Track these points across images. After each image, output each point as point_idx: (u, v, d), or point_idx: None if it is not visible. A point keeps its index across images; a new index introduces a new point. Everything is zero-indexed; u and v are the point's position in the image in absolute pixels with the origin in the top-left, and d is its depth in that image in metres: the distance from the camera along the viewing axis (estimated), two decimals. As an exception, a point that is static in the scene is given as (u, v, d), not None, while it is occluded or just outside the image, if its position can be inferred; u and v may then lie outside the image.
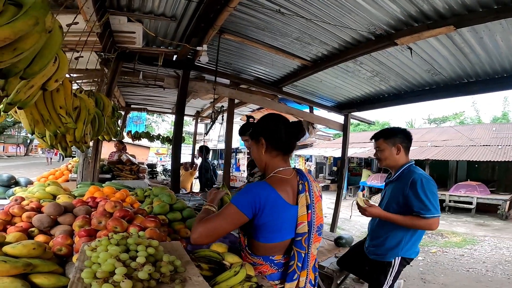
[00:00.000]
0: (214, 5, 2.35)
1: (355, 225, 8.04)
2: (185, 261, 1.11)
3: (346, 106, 5.24)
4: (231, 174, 5.33)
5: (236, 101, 4.96)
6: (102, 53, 3.13)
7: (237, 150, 16.98)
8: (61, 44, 1.05)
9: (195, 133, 8.70)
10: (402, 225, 1.92)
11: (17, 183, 2.81)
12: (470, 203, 10.19)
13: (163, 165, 14.45)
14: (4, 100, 1.04)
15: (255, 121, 1.63)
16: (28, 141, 32.32)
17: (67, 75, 1.72)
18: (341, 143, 5.75)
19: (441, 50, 2.78)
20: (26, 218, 1.53)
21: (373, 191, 13.03)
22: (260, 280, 1.21)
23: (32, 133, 1.61)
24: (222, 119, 4.90)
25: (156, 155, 21.43)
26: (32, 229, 1.48)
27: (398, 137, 2.04)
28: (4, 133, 26.48)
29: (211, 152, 17.66)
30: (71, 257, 1.32)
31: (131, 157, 5.40)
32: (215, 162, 17.02)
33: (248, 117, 3.06)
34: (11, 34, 0.72)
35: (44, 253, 1.18)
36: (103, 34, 2.65)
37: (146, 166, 6.17)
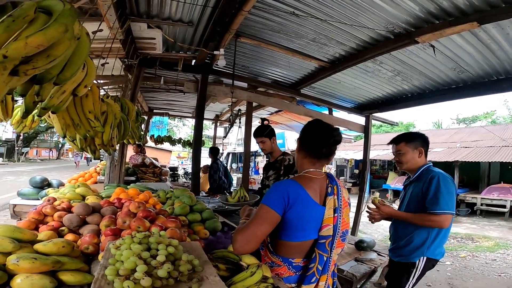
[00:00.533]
0: (229, 9, 2.39)
1: (377, 228, 7.78)
2: (203, 260, 1.14)
3: (367, 107, 5.11)
4: (250, 177, 5.37)
5: (254, 104, 5.00)
6: (126, 59, 3.28)
7: (256, 153, 17.01)
8: (89, 51, 1.10)
9: (215, 137, 8.84)
10: (414, 223, 1.94)
11: (49, 185, 2.97)
12: (504, 206, 9.59)
13: (184, 168, 14.80)
14: (39, 105, 1.11)
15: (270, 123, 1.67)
16: (60, 145, 34.31)
17: (95, 81, 1.83)
18: (362, 145, 5.60)
19: (466, 47, 2.65)
20: (57, 218, 1.63)
21: (399, 194, 12.52)
22: (277, 281, 1.21)
23: (64, 137, 1.72)
24: (240, 123, 4.96)
25: (177, 158, 21.97)
26: (63, 228, 1.57)
27: (419, 141, 2.07)
28: (38, 137, 28.27)
29: (230, 155, 17.83)
30: (97, 255, 1.38)
31: (154, 161, 5.60)
32: (234, 165, 17.13)
33: (263, 119, 3.07)
34: (44, 41, 0.75)
35: (72, 251, 1.25)
36: (125, 40, 2.79)
37: (168, 169, 6.36)
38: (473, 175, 11.81)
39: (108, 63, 2.37)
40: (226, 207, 2.71)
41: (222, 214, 2.54)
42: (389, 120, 6.51)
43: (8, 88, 0.78)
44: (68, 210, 1.76)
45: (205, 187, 6.36)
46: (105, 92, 2.48)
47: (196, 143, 4.00)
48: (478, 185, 11.62)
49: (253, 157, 16.24)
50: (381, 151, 13.28)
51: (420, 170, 2.04)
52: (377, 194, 2.12)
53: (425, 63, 3.13)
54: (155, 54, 3.43)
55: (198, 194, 3.90)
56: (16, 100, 1.81)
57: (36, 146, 28.94)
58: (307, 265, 1.27)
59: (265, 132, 2.82)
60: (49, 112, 1.23)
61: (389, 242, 2.26)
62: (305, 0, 2.29)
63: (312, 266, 1.24)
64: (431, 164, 2.07)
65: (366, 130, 5.42)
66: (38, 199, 2.64)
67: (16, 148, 24.71)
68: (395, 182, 12.33)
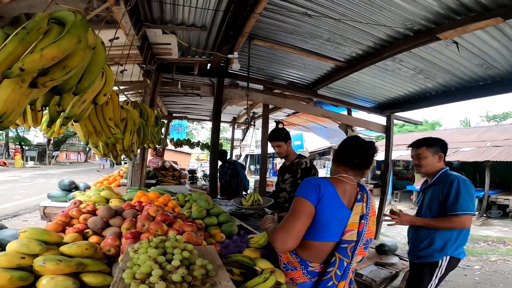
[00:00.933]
0: (240, 12, 2.40)
1: (401, 231, 7.52)
2: (217, 265, 1.15)
3: (388, 107, 4.94)
4: (267, 179, 5.35)
5: (271, 106, 4.99)
6: (144, 65, 3.39)
7: (274, 155, 16.99)
8: (106, 59, 1.13)
9: (233, 139, 8.92)
10: (435, 227, 2.00)
11: (77, 188, 3.14)
12: (541, 209, 8.91)
13: (203, 171, 15.04)
14: (61, 114, 1.16)
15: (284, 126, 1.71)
16: (88, 149, 36.00)
17: (115, 88, 1.90)
18: (384, 145, 5.42)
19: (491, 43, 2.51)
20: (83, 220, 1.72)
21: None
22: (291, 287, 1.20)
23: (87, 143, 1.81)
24: (254, 125, 4.96)
25: (197, 161, 22.39)
26: (87, 230, 1.65)
27: (439, 146, 2.14)
28: (67, 141, 29.83)
29: (248, 157, 17.87)
30: (118, 257, 1.43)
31: (173, 164, 5.73)
32: (252, 167, 17.17)
33: (277, 122, 3.04)
34: (59, 53, 0.77)
35: (95, 253, 1.32)
36: (142, 47, 2.87)
37: (187, 172, 6.48)
38: (505, 175, 11.06)
39: (126, 69, 2.46)
40: (243, 210, 2.72)
41: (239, 217, 2.56)
42: (413, 119, 6.26)
43: (30, 99, 0.81)
44: (93, 212, 1.84)
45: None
46: (126, 98, 2.57)
47: (213, 146, 4.06)
48: (511, 186, 10.88)
49: (271, 159, 16.21)
50: (404, 152, 12.76)
51: (438, 174, 2.12)
52: (396, 205, 2.20)
53: (449, 60, 2.99)
54: (171, 59, 3.51)
55: (216, 197, 3.94)
56: (44, 108, 1.93)
57: (65, 149, 30.61)
58: (324, 270, 1.25)
59: (281, 136, 2.81)
60: (72, 120, 1.30)
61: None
62: (317, 0, 2.26)
63: (330, 270, 1.23)
64: (448, 168, 2.15)
65: (387, 130, 5.24)
66: (66, 201, 2.80)
67: (47, 152, 26.16)
68: (420, 183, 11.83)
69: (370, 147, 1.37)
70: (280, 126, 2.95)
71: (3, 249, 1.19)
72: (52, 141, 25.90)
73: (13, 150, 21.47)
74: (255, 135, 4.94)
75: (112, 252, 1.44)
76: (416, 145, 2.21)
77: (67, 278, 1.09)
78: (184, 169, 6.48)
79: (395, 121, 5.33)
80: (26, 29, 0.75)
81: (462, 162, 10.81)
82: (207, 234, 1.82)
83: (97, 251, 1.35)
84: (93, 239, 1.58)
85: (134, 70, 3.01)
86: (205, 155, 22.20)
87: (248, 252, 1.48)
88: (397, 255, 2.59)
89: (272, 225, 1.42)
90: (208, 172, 6.74)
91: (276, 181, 3.16)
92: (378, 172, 15.24)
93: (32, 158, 25.25)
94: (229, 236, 1.88)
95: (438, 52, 2.83)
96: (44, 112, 1.91)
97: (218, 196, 4.63)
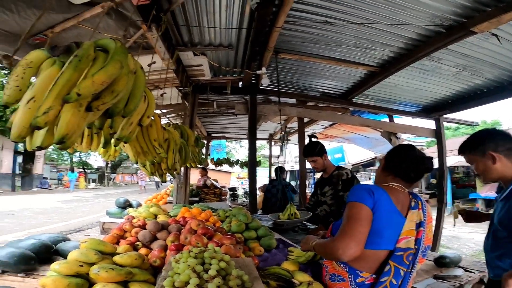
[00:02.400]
0: (262, 28, 2.48)
1: (466, 242, 6.72)
2: (254, 276, 1.15)
3: (435, 109, 4.59)
4: (307, 193, 5.22)
5: (306, 119, 4.95)
6: (181, 88, 3.64)
7: (314, 170, 16.58)
8: (147, 83, 1.23)
9: (270, 156, 8.97)
10: None
11: (130, 205, 3.47)
12: None
13: (243, 188, 15.24)
14: (114, 136, 1.29)
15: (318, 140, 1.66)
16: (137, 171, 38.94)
17: (158, 111, 2.08)
18: (436, 151, 4.96)
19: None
20: (134, 233, 1.87)
21: (492, 205, 10.47)
22: (332, 300, 1.15)
23: (136, 163, 1.99)
24: (288, 141, 4.92)
25: (237, 179, 22.80)
26: (138, 242, 1.79)
27: (488, 143, 1.58)
28: (122, 165, 32.82)
29: (288, 173, 17.66)
30: (162, 268, 1.52)
31: (214, 182, 5.96)
32: (293, 182, 16.90)
33: (310, 136, 2.97)
34: (106, 78, 0.84)
35: (143, 263, 1.42)
36: (177, 70, 3.10)
37: (227, 189, 6.66)
38: None
39: (166, 93, 2.69)
40: (285, 225, 2.69)
41: (278, 231, 2.54)
42: (466, 120, 5.70)
43: (87, 123, 0.93)
44: (143, 227, 1.99)
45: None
46: (167, 121, 2.79)
47: (251, 163, 4.13)
48: None
49: (311, 173, 15.80)
50: (462, 157, 11.49)
51: None
52: (460, 205, 1.90)
53: (494, 54, 2.74)
54: (205, 80, 3.71)
55: (255, 212, 3.96)
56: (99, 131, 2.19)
57: (121, 172, 33.56)
58: (376, 281, 1.17)
59: (315, 150, 2.73)
60: (122, 142, 1.45)
61: (482, 257, 1.91)
62: (336, 7, 2.27)
63: (384, 279, 1.15)
64: None
65: (438, 134, 4.83)
66: (121, 217, 3.08)
67: (106, 174, 29.21)
68: (486, 189, 10.37)
69: (430, 162, 1.32)
70: (314, 140, 2.89)
71: (66, 259, 1.35)
72: (109, 165, 28.71)
73: (78, 173, 24.41)
74: (289, 151, 4.91)
75: (158, 263, 1.53)
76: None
77: (117, 286, 1.19)
78: (224, 187, 6.67)
79: (446, 124, 4.91)
80: (78, 57, 0.86)
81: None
82: (246, 248, 1.84)
83: (145, 262, 1.45)
84: (142, 251, 1.70)
85: (173, 93, 3.27)
86: (245, 173, 22.54)
87: (287, 265, 1.46)
88: (462, 267, 2.30)
89: (319, 239, 1.35)
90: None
91: (311, 194, 3.06)
92: (434, 181, 13.89)
93: (94, 180, 28.28)
94: (268, 249, 1.87)
95: (479, 47, 2.63)
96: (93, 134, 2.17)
97: (259, 212, 4.64)
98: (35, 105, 0.83)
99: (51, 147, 0.92)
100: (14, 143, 17.12)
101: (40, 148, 0.88)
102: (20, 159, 19.97)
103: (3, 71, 16.53)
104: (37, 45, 1.89)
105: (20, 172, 19.97)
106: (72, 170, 23.68)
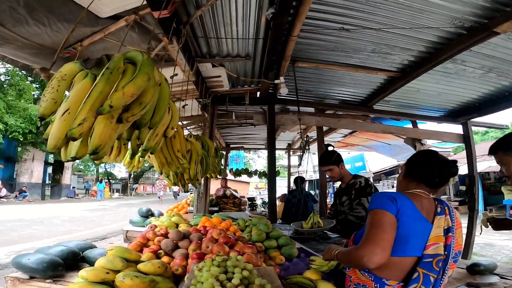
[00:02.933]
0: (279, 37, 2.50)
1: (501, 250, 6.32)
2: (276, 285, 1.14)
3: (462, 113, 4.40)
4: (328, 203, 5.11)
5: (325, 128, 4.89)
6: (201, 99, 3.71)
7: (330, 179, 16.20)
8: (170, 95, 1.25)
9: (289, 166, 8.90)
10: None
11: (152, 214, 3.54)
12: None
13: (262, 198, 15.14)
14: (141, 147, 1.33)
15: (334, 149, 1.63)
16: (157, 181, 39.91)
17: (179, 123, 2.14)
18: (465, 157, 4.73)
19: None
20: (157, 242, 1.91)
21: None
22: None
23: (161, 173, 2.05)
24: (309, 149, 4.87)
25: (255, 189, 22.78)
26: (160, 251, 1.82)
27: None
28: (143, 175, 33.95)
29: (307, 183, 17.39)
30: (184, 276, 1.53)
31: (233, 192, 5.98)
32: (312, 192, 16.61)
33: (327, 145, 2.94)
34: (135, 90, 0.86)
35: (165, 271, 1.44)
36: (197, 81, 3.18)
37: (246, 199, 6.66)
38: None
39: (187, 104, 2.76)
40: (306, 234, 2.64)
41: (299, 240, 2.49)
42: (496, 123, 5.38)
43: (117, 134, 0.96)
44: (165, 235, 2.03)
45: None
46: (188, 132, 2.86)
47: (270, 173, 4.11)
48: None
49: (331, 183, 15.49)
50: (493, 162, 10.77)
51: None
52: (488, 214, 1.78)
53: (519, 54, 2.61)
54: (223, 91, 3.78)
55: (275, 222, 3.92)
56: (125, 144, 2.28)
57: (142, 182, 34.70)
58: None
59: (332, 159, 2.70)
60: (148, 153, 1.51)
61: None
62: (351, 13, 2.26)
63: (413, 287, 1.12)
64: None
65: (466, 139, 4.61)
66: (144, 226, 3.15)
67: (129, 185, 30.27)
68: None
69: (454, 166, 1.28)
70: (330, 148, 2.85)
71: (92, 265, 1.40)
72: (132, 175, 29.75)
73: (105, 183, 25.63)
74: (311, 160, 4.86)
75: (180, 271, 1.55)
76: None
77: (141, 293, 1.21)
78: (243, 197, 6.68)
79: (474, 128, 4.67)
80: (109, 70, 0.90)
81: None
82: (267, 257, 1.82)
83: (167, 270, 1.47)
84: (165, 259, 1.72)
85: (193, 104, 3.35)
86: (263, 183, 22.46)
87: (309, 274, 1.43)
88: (497, 274, 2.14)
89: (342, 248, 1.33)
90: (266, 200, 6.80)
91: (331, 204, 3.00)
92: (463, 188, 13.15)
93: (117, 190, 29.57)
94: (289, 258, 1.84)
95: (504, 47, 2.54)
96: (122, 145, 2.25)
97: (278, 221, 4.58)
98: (70, 117, 0.88)
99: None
100: (44, 154, 18.22)
101: (74, 158, 0.92)
102: (50, 169, 21.20)
103: (34, 85, 17.79)
104: (67, 58, 1.98)
105: (50, 182, 21.13)
106: (101, 181, 24.80)
